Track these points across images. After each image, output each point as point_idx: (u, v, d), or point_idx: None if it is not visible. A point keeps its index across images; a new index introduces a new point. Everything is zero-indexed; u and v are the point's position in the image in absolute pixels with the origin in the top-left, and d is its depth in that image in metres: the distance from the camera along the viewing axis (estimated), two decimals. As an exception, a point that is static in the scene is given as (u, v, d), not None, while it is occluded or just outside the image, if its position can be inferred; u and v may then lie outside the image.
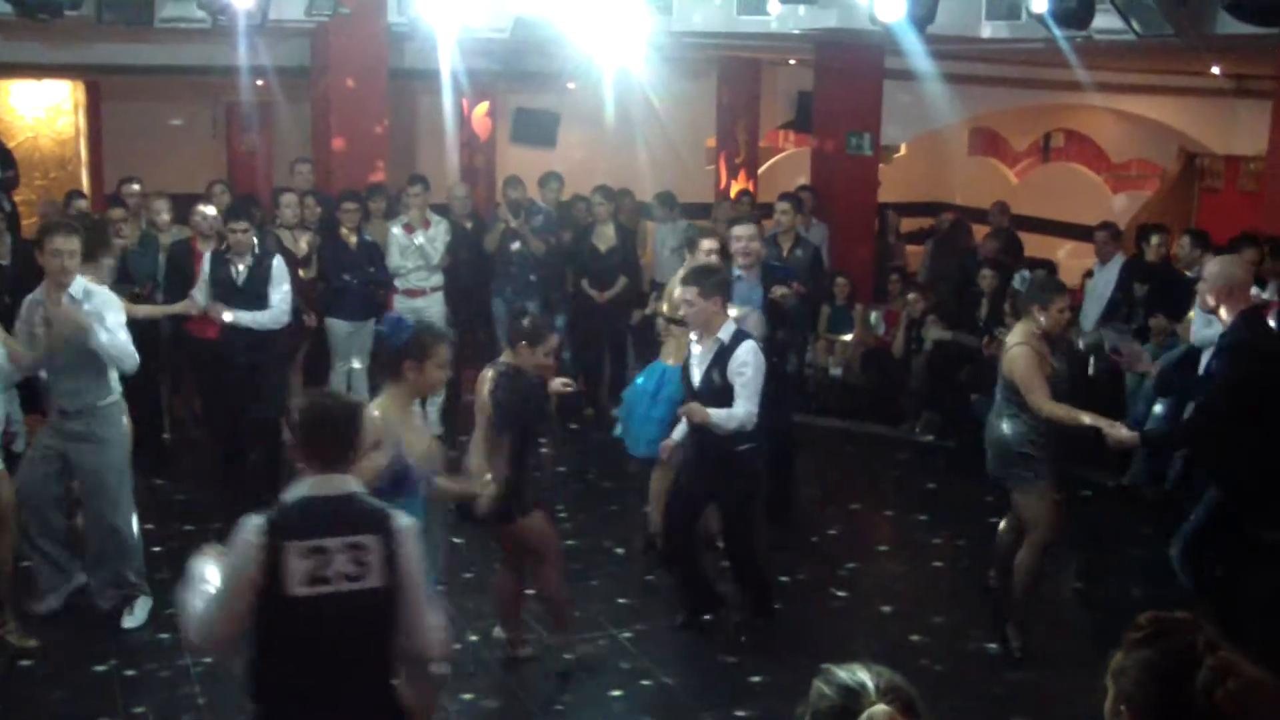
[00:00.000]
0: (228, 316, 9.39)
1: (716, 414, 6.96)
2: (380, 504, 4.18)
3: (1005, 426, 7.13)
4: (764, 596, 7.66)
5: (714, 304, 7.08)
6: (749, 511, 7.40)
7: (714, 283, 7.12)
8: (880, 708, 2.63)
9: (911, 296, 12.39)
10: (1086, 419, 6.80)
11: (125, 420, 7.48)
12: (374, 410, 5.27)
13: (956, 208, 18.06)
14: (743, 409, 6.95)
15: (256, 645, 4.01)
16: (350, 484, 4.15)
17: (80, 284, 7.21)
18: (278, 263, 9.51)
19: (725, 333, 7.11)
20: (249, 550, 3.93)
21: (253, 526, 3.96)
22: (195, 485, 9.96)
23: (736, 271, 8.49)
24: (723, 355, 7.07)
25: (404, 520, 4.11)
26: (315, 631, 3.95)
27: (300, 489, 4.10)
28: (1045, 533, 7.20)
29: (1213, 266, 6.99)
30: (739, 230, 8.87)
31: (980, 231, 15.10)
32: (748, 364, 7.01)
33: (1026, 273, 7.24)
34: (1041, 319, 7.00)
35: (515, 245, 11.74)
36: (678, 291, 7.51)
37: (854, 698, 2.67)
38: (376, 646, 4.06)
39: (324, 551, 3.93)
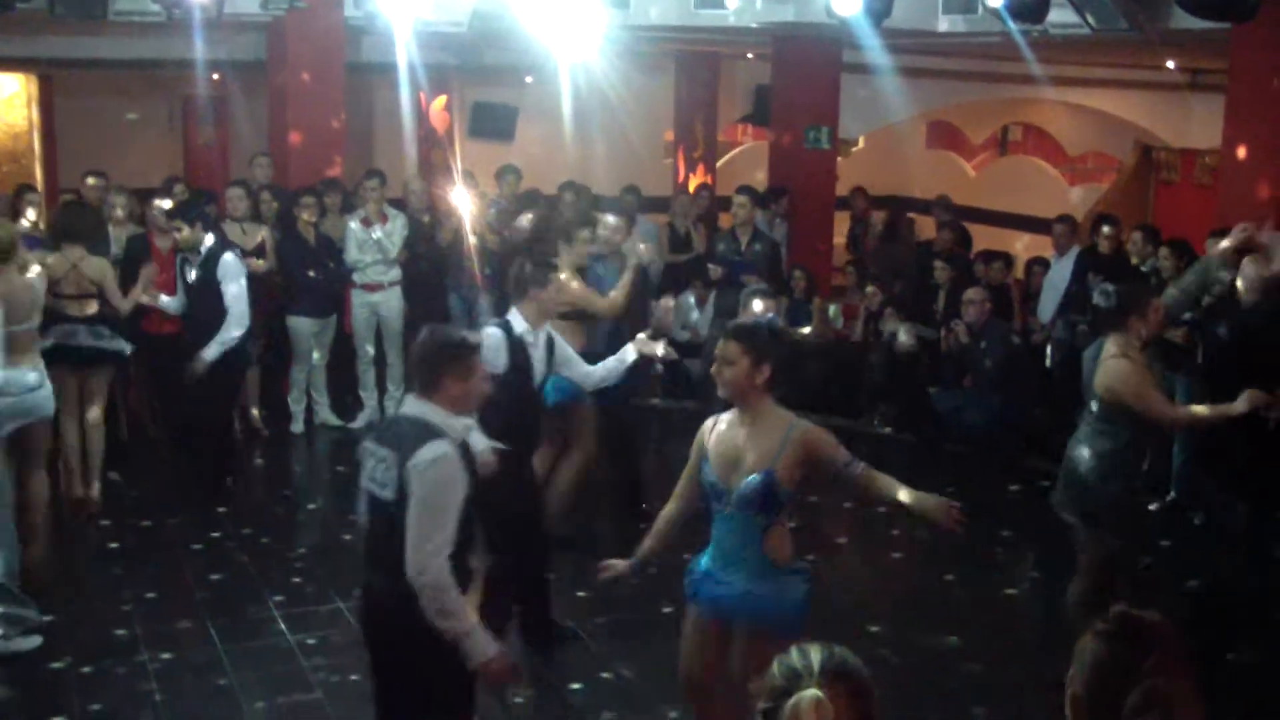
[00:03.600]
0: (161, 300, 9.53)
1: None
2: (420, 427, 4.61)
3: (1088, 449, 6.71)
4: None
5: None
6: None
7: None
8: (809, 693, 2.65)
9: (870, 290, 12.44)
10: (1209, 412, 6.55)
11: None
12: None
13: (913, 201, 18.13)
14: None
15: None
16: (421, 407, 4.68)
17: None
18: (228, 259, 9.35)
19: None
20: None
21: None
22: (151, 481, 9.90)
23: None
24: (551, 343, 7.23)
25: (427, 452, 4.51)
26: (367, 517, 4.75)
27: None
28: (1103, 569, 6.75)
29: None
30: (611, 221, 9.40)
31: (924, 224, 15.21)
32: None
33: (1109, 286, 7.10)
34: (1142, 329, 6.61)
35: (473, 239, 11.70)
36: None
37: (795, 679, 2.70)
38: (389, 546, 4.56)
39: (375, 456, 4.66)
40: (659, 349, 7.30)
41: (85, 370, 8.99)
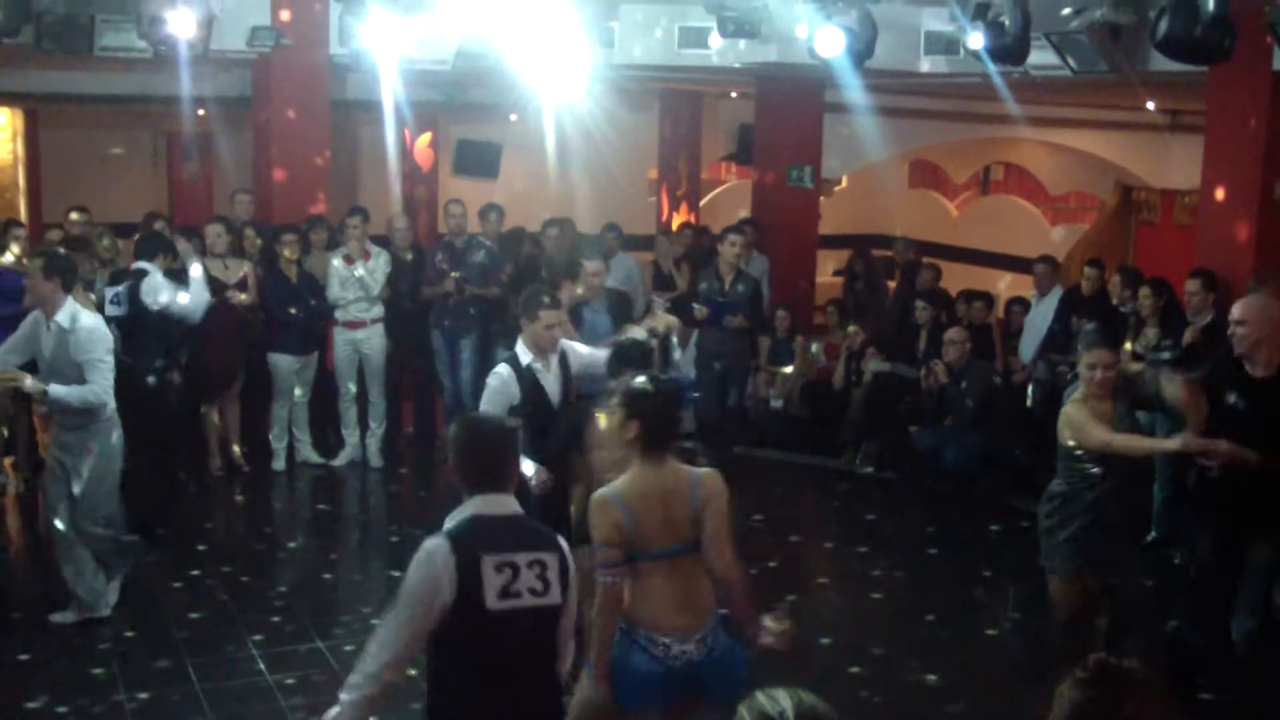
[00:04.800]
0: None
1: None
2: (534, 521, 4.47)
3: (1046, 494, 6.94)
4: None
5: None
6: None
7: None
8: None
9: (851, 329, 12.47)
10: (1149, 444, 6.77)
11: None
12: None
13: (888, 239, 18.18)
14: None
15: (444, 660, 4.24)
16: (511, 500, 4.37)
17: (69, 311, 7.48)
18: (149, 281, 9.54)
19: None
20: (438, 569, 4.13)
21: (437, 546, 4.17)
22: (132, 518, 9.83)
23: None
24: (565, 362, 7.47)
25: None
26: (505, 643, 4.20)
27: (467, 509, 4.30)
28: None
29: None
30: (591, 266, 9.33)
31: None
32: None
33: (1088, 325, 7.20)
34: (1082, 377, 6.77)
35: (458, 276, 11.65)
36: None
37: None
38: (549, 657, 4.38)
39: (513, 567, 4.20)
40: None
41: None
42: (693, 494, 4.94)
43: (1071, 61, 9.90)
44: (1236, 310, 6.77)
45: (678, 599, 4.95)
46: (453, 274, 11.50)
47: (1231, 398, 6.62)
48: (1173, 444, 6.59)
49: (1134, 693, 2.80)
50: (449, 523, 4.28)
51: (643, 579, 4.93)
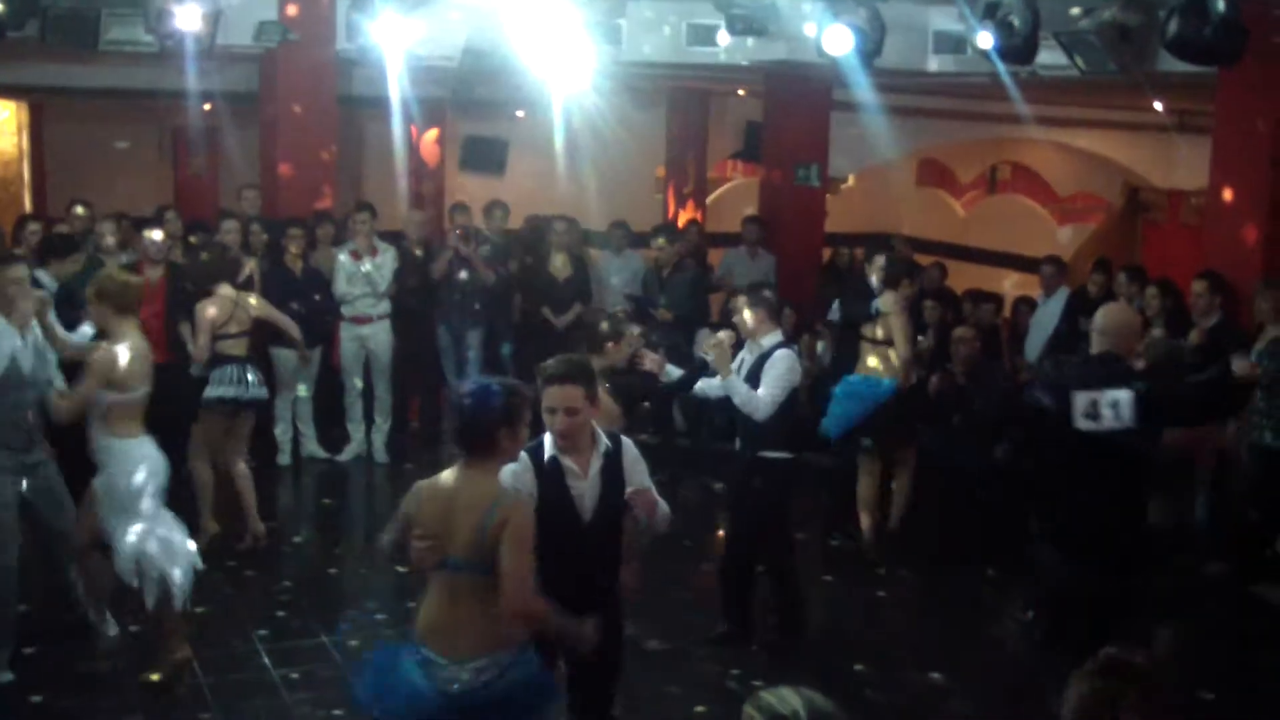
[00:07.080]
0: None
1: (737, 383, 7.63)
2: None
3: None
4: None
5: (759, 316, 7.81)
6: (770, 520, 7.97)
7: (764, 299, 7.87)
8: None
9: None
10: None
11: None
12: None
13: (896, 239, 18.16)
14: (763, 392, 7.58)
15: None
16: None
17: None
18: None
19: (769, 341, 7.79)
20: None
21: None
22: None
23: None
24: (762, 359, 7.71)
25: None
26: None
27: None
28: None
29: None
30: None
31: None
32: (776, 363, 7.65)
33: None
34: None
35: (463, 274, 11.70)
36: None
37: None
38: None
39: None
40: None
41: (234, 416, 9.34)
42: (488, 514, 4.60)
43: (1080, 62, 9.88)
44: (1099, 319, 6.32)
45: (446, 619, 4.71)
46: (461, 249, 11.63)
47: None
48: None
49: (1135, 683, 2.83)
50: None
51: (428, 587, 4.81)
